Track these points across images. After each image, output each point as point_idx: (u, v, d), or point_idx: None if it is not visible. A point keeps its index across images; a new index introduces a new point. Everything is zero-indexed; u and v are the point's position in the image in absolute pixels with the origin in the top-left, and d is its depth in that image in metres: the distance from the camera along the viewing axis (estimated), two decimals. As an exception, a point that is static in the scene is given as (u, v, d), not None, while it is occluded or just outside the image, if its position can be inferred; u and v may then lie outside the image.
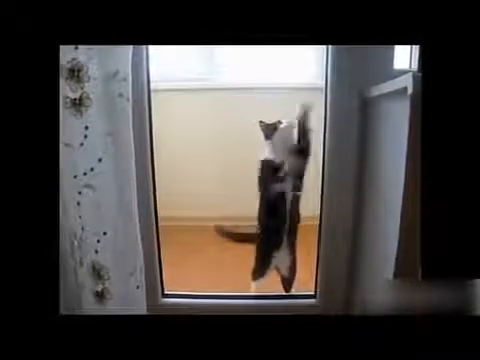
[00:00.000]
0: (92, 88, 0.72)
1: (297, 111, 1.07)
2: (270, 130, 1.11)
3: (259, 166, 1.13)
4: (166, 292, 1.07)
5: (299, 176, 1.10)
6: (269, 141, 1.11)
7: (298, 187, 1.10)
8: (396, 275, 0.70)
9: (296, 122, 1.08)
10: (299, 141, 1.08)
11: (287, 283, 1.17)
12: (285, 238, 1.12)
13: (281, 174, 1.09)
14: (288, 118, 1.12)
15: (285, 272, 1.15)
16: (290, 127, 1.09)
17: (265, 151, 1.13)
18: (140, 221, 0.83)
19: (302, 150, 1.08)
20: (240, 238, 1.25)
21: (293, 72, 1.85)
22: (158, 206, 1.02)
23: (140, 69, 0.89)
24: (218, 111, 1.83)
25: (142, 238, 0.84)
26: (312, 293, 1.06)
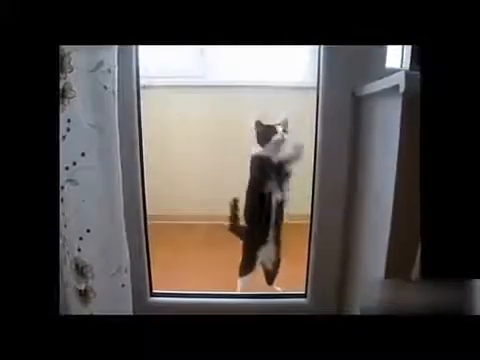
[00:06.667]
0: (75, 79, 0.69)
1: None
2: (265, 135, 1.13)
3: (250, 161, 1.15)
4: (154, 291, 1.05)
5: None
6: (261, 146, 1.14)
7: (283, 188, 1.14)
8: (387, 275, 0.69)
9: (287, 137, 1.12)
10: None
11: (271, 277, 1.23)
12: (271, 234, 1.16)
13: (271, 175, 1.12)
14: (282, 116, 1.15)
15: (270, 266, 1.21)
16: (281, 141, 1.12)
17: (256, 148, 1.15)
18: (128, 219, 0.81)
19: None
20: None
21: (286, 70, 1.85)
22: (148, 204, 1.00)
23: (128, 62, 0.87)
24: (210, 109, 1.82)
25: (130, 236, 0.82)
26: (302, 292, 1.05)
